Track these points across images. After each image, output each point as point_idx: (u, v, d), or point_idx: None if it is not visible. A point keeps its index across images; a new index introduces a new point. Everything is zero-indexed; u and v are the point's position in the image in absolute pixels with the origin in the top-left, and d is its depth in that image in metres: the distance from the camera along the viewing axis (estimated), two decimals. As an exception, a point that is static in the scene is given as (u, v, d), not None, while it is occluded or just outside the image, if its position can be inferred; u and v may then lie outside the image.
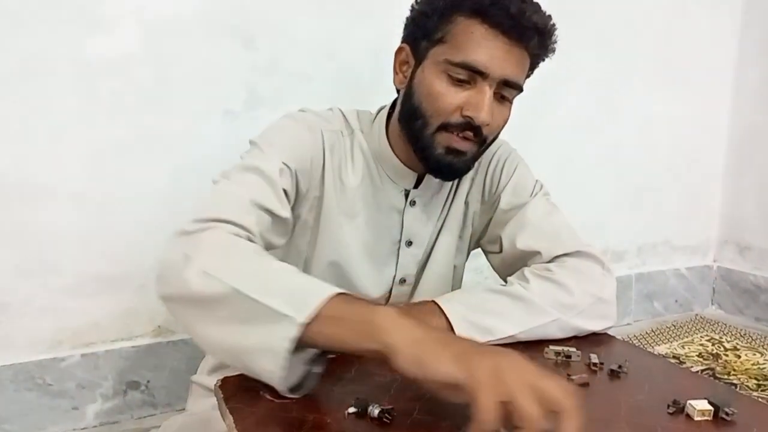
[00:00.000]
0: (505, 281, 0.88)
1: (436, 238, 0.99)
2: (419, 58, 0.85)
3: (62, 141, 1.39)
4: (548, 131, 2.05)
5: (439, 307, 0.79)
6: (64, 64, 1.36)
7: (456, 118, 0.81)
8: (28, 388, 1.41)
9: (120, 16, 1.39)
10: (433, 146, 0.83)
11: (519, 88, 0.84)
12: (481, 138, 0.83)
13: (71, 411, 1.46)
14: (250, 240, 0.73)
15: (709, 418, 0.59)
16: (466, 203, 1.00)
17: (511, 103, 0.86)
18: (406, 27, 0.88)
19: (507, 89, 0.83)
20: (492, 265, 1.02)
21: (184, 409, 1.07)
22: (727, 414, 0.59)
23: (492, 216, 0.99)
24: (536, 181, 0.99)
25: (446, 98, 0.80)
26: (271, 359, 0.57)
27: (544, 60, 0.89)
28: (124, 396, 1.52)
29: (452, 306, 0.79)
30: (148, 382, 1.53)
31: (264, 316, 0.58)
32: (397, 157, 0.91)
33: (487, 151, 0.97)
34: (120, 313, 1.50)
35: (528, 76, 0.88)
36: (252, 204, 0.76)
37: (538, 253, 0.90)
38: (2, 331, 1.39)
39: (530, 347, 0.78)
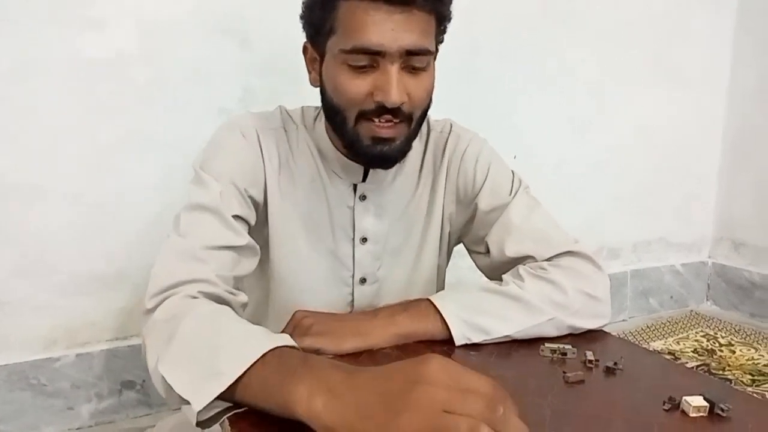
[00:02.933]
0: (500, 279, 0.87)
1: (404, 238, 0.96)
2: (321, 53, 0.82)
3: (58, 141, 1.38)
4: (544, 130, 2.05)
5: (434, 306, 0.79)
6: (60, 64, 1.36)
7: (369, 105, 0.77)
8: (22, 389, 1.41)
9: (115, 16, 1.39)
10: (359, 139, 0.79)
11: (429, 53, 0.77)
12: (406, 116, 0.79)
13: (66, 411, 1.46)
14: (208, 292, 0.72)
15: (704, 414, 0.59)
16: (437, 203, 0.96)
17: (426, 70, 0.79)
18: (303, 25, 0.84)
19: (415, 58, 0.76)
20: (478, 266, 0.99)
21: (179, 409, 1.06)
22: (722, 410, 0.59)
23: (472, 216, 0.95)
24: (512, 174, 0.96)
25: (352, 89, 0.76)
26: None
27: (449, 11, 0.81)
28: (120, 395, 1.51)
29: (447, 305, 0.79)
30: (144, 381, 1.53)
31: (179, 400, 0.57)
32: (340, 151, 0.88)
33: (457, 148, 0.95)
34: (115, 312, 1.50)
35: (441, 33, 0.82)
36: (204, 249, 0.76)
37: (531, 257, 0.89)
38: (-3, 331, 1.38)
39: (526, 345, 0.78)
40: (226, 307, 0.71)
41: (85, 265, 1.45)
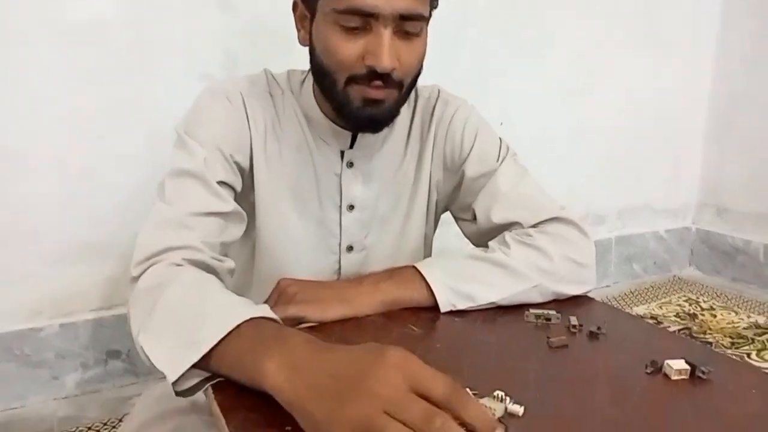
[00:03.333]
0: (486, 246, 0.87)
1: (391, 205, 0.95)
2: (311, 11, 0.79)
3: (40, 108, 1.35)
4: (531, 97, 2.04)
5: (420, 273, 0.79)
6: (40, 28, 1.32)
7: (360, 69, 0.75)
8: (7, 359, 1.40)
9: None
10: (349, 101, 0.77)
11: (422, 18, 0.76)
12: (396, 83, 0.77)
13: (51, 381, 1.46)
14: (194, 259, 0.71)
15: (686, 377, 0.60)
16: (425, 170, 0.95)
17: (419, 36, 0.77)
18: None
19: (408, 23, 0.74)
20: (464, 233, 0.99)
21: (165, 378, 1.06)
22: (703, 372, 0.60)
23: (459, 183, 0.95)
24: (500, 141, 0.95)
25: (344, 51, 0.74)
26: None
27: None
28: (105, 365, 1.51)
29: (433, 272, 0.79)
30: (129, 351, 1.53)
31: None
32: (327, 116, 0.86)
33: (444, 114, 0.94)
34: (100, 282, 1.49)
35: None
36: (190, 216, 0.75)
37: (517, 223, 0.88)
38: (-21, 302, 1.37)
39: (510, 311, 0.78)
40: (210, 276, 0.70)
41: (69, 234, 1.43)
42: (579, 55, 2.12)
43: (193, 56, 1.48)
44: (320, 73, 0.80)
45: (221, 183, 0.80)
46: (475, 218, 0.93)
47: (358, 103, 0.77)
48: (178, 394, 0.57)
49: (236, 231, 0.83)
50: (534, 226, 0.88)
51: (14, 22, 1.29)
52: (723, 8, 2.44)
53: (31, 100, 1.34)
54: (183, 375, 0.55)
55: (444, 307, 0.77)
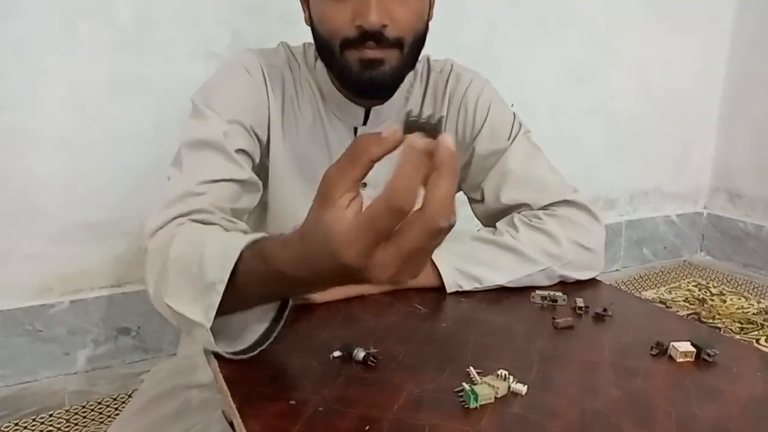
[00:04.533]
0: (494, 227, 0.86)
1: None
2: None
3: (43, 84, 1.35)
4: (541, 76, 2.01)
5: None
6: (45, 5, 1.31)
7: (352, 32, 0.75)
8: (19, 334, 1.42)
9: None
10: (348, 66, 0.77)
11: None
12: (392, 42, 0.76)
13: (63, 356, 1.48)
14: (202, 219, 0.71)
15: (691, 360, 0.60)
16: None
17: None
18: None
19: None
20: (475, 213, 0.97)
21: (175, 354, 1.07)
22: (708, 355, 0.59)
23: (469, 161, 0.93)
24: (513, 118, 0.93)
25: (335, 16, 0.75)
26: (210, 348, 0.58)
27: None
28: (116, 341, 1.53)
29: (440, 253, 0.78)
30: (139, 328, 1.54)
31: (190, 324, 0.57)
32: (340, 91, 0.86)
33: (458, 88, 0.92)
34: (109, 260, 1.50)
35: None
36: (202, 183, 0.74)
37: (526, 204, 0.87)
38: (-12, 278, 1.38)
39: (516, 292, 0.78)
40: (210, 225, 0.70)
41: (76, 213, 1.44)
42: (591, 35, 2.09)
43: (199, 34, 1.47)
44: (320, 46, 0.80)
45: (240, 151, 0.80)
46: (483, 198, 0.92)
47: (356, 67, 0.77)
48: (217, 356, 0.58)
49: (251, 200, 0.82)
50: (544, 207, 0.87)
51: (17, -2, 1.28)
52: (740, -11, 2.39)
53: (35, 77, 1.34)
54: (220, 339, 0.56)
55: (450, 288, 0.77)
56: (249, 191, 0.81)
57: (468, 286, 0.78)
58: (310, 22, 0.82)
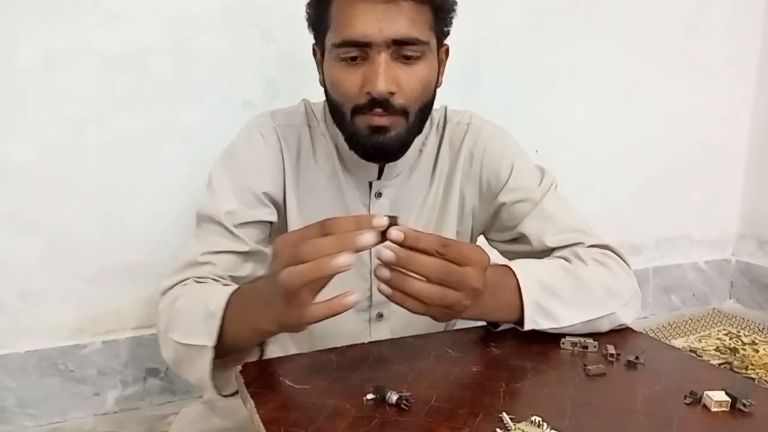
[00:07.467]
0: None
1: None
2: (322, 52, 0.84)
3: (83, 134, 1.41)
4: (568, 123, 2.03)
5: (515, 276, 0.75)
6: (84, 56, 1.38)
7: (362, 99, 0.77)
8: (52, 374, 1.45)
9: (138, 8, 1.41)
10: (358, 131, 0.80)
11: (419, 42, 0.77)
12: (398, 110, 0.78)
13: (92, 397, 1.49)
14: (204, 277, 0.83)
15: (726, 410, 0.59)
16: (462, 196, 0.95)
17: (422, 59, 0.79)
18: (308, 27, 0.86)
19: (406, 48, 0.76)
20: (506, 258, 0.99)
21: (201, 396, 1.08)
22: (744, 405, 0.59)
23: (497, 210, 0.94)
24: (540, 171, 0.95)
25: (346, 82, 0.78)
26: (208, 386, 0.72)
27: (447, 1, 0.81)
28: (144, 383, 1.54)
29: (527, 283, 0.75)
30: (167, 369, 1.56)
31: (193, 351, 0.72)
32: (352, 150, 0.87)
33: (479, 141, 0.94)
34: (140, 301, 1.53)
35: (443, 24, 0.82)
36: (207, 254, 0.84)
37: (580, 243, 0.87)
38: (26, 318, 1.42)
39: (546, 338, 0.76)
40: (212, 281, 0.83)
41: (111, 256, 1.48)
42: (615, 79, 2.11)
43: (234, 84, 1.52)
44: (332, 109, 0.84)
45: (243, 224, 0.86)
46: (516, 240, 0.93)
47: (365, 132, 0.80)
48: (220, 392, 0.73)
49: (252, 268, 0.87)
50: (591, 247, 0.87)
51: (59, 50, 1.35)
52: (763, 34, 2.40)
53: (74, 126, 1.40)
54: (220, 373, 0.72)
55: (528, 326, 0.74)
56: (252, 260, 0.87)
57: (545, 324, 0.75)
58: (324, 84, 0.86)
